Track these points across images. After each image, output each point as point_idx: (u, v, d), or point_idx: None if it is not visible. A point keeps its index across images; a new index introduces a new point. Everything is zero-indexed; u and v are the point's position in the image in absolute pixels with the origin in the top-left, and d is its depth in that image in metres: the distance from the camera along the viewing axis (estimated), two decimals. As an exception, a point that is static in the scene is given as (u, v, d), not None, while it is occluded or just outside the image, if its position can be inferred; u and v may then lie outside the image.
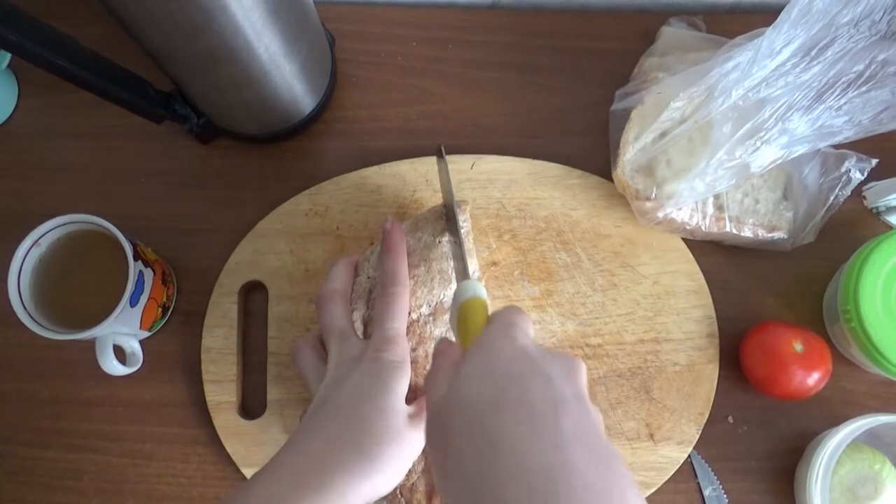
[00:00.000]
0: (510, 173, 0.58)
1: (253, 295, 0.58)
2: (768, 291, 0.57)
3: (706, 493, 0.53)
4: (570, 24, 0.64)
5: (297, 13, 0.51)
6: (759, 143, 0.49)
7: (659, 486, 0.52)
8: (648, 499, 0.52)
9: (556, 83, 0.62)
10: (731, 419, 0.54)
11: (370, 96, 0.62)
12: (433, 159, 0.58)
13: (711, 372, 0.54)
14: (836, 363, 0.52)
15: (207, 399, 0.54)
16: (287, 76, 0.53)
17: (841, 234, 0.57)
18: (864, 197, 0.58)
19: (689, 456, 0.53)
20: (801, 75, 0.48)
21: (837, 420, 0.50)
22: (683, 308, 0.55)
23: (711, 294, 0.55)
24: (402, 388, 0.42)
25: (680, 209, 0.53)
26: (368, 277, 0.49)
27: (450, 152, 0.59)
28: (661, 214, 0.53)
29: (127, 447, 0.56)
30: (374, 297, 0.47)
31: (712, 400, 0.53)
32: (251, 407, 0.55)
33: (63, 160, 0.62)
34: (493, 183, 0.57)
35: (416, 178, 0.58)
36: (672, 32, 0.60)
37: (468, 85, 0.62)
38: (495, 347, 0.34)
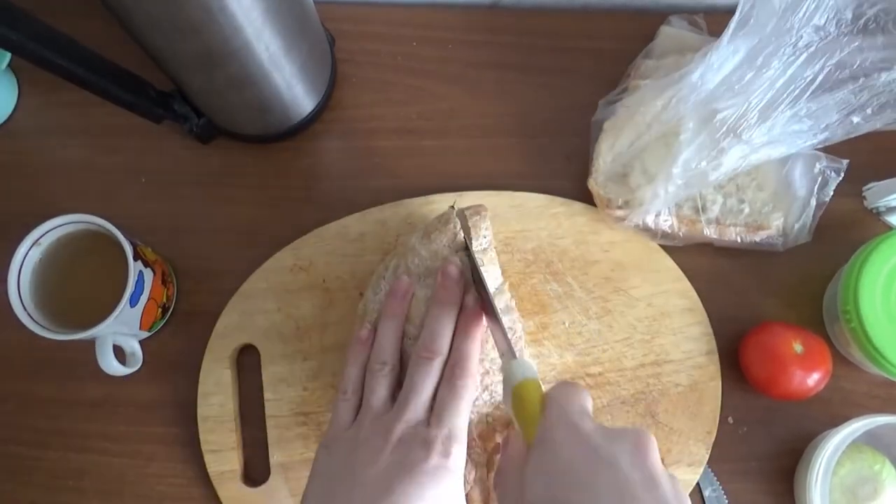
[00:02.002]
0: (493, 208, 0.56)
1: (245, 356, 0.56)
2: (768, 292, 0.57)
3: (706, 493, 0.53)
4: (571, 24, 0.64)
5: (297, 13, 0.51)
6: (714, 153, 0.49)
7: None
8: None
9: (556, 83, 0.62)
10: (730, 420, 0.54)
11: (370, 96, 0.62)
12: (414, 202, 0.57)
13: (714, 389, 0.53)
14: (836, 364, 0.52)
15: (209, 470, 0.53)
16: (287, 76, 0.53)
17: (841, 235, 0.57)
18: (864, 197, 0.58)
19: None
20: (748, 86, 0.48)
21: (837, 421, 0.50)
22: (679, 327, 0.55)
23: (711, 295, 0.55)
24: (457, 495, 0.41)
25: (657, 215, 0.53)
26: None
27: (447, 151, 0.59)
28: (630, 223, 0.54)
29: (127, 447, 0.56)
30: (421, 361, 0.44)
31: (718, 418, 0.53)
32: (254, 473, 0.54)
33: (63, 160, 0.62)
34: None
35: (398, 221, 0.57)
36: (672, 32, 0.60)
37: (468, 85, 0.62)
38: (556, 442, 0.34)
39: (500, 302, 0.47)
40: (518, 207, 0.57)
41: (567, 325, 0.55)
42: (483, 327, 0.45)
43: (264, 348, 0.55)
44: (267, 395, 0.54)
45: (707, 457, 0.52)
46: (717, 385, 0.53)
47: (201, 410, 0.54)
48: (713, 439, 0.52)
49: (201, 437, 0.54)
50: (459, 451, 0.41)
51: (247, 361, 0.56)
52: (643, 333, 0.54)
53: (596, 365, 0.54)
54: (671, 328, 0.54)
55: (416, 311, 0.46)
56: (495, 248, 0.49)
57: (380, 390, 0.44)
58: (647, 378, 0.54)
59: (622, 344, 0.54)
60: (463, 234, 0.48)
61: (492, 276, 0.47)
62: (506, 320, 0.47)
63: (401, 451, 0.40)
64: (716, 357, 0.54)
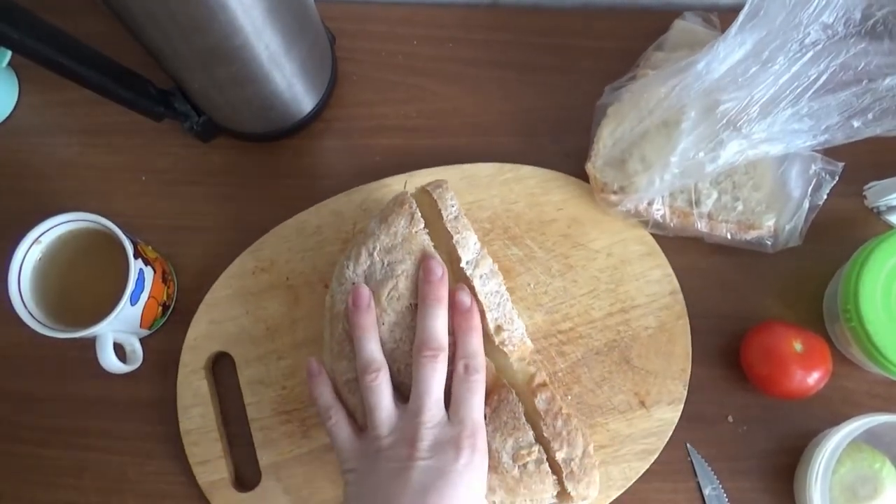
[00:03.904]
0: None
1: (220, 364, 0.56)
2: (768, 291, 0.57)
3: (706, 492, 0.53)
4: (571, 22, 0.64)
5: (298, 11, 0.51)
6: (713, 145, 0.50)
7: (660, 450, 0.52)
8: (649, 488, 0.52)
9: (556, 82, 0.62)
10: (731, 419, 0.54)
11: (370, 95, 0.62)
12: (367, 188, 0.57)
13: (683, 327, 0.54)
14: (837, 363, 0.52)
15: (199, 482, 0.53)
16: (287, 75, 0.53)
17: (841, 234, 0.57)
18: (865, 196, 0.58)
19: (689, 455, 0.53)
20: (752, 80, 0.48)
21: (837, 419, 0.50)
22: (641, 272, 0.55)
23: (710, 294, 0.56)
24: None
25: (650, 203, 0.54)
26: (354, 284, 0.48)
27: (448, 150, 0.59)
28: (622, 208, 0.54)
29: (128, 445, 0.56)
30: (425, 363, 0.44)
31: (691, 354, 0.54)
32: (245, 478, 0.54)
33: (63, 158, 0.62)
34: None
35: (353, 210, 0.57)
36: (685, 27, 0.60)
37: (468, 84, 0.62)
38: None
39: (485, 267, 0.48)
40: (469, 178, 0.57)
41: (532, 286, 0.55)
42: (479, 319, 0.46)
43: (237, 354, 0.55)
44: (246, 398, 0.54)
45: (685, 393, 0.53)
46: (684, 323, 0.54)
47: (183, 424, 0.54)
48: (689, 376, 0.53)
49: (186, 450, 0.53)
50: (484, 441, 0.43)
51: (222, 368, 0.56)
52: (607, 283, 0.55)
53: (566, 321, 0.55)
54: (633, 274, 0.55)
55: (384, 296, 0.47)
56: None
57: (384, 401, 0.44)
58: (617, 326, 0.54)
59: (588, 296, 0.55)
60: (420, 213, 0.48)
61: (470, 242, 0.48)
62: (492, 284, 0.48)
63: (431, 457, 0.41)
64: (680, 297, 0.55)
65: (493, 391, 0.46)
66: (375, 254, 0.48)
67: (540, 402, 0.46)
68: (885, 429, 0.49)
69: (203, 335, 0.55)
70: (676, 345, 0.54)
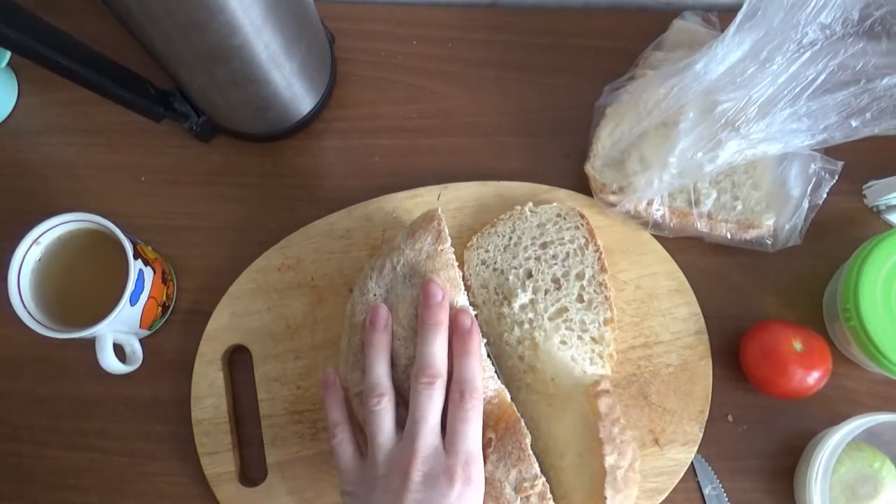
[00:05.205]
0: (478, 199, 0.57)
1: (237, 357, 0.56)
2: (768, 290, 0.57)
3: (706, 491, 0.53)
4: (571, 22, 0.64)
5: (297, 11, 0.51)
6: (711, 145, 0.50)
7: (670, 489, 0.52)
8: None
9: (556, 82, 0.62)
10: (730, 418, 0.54)
11: (370, 95, 0.62)
12: (399, 196, 0.57)
13: (705, 368, 0.54)
14: (836, 362, 0.52)
15: (205, 472, 0.53)
16: (287, 75, 0.53)
17: (841, 233, 0.57)
18: (865, 195, 0.58)
19: (689, 455, 0.53)
20: (750, 80, 0.48)
21: (837, 419, 0.50)
22: (668, 308, 0.55)
23: (710, 294, 0.55)
24: None
25: (649, 203, 0.54)
26: (375, 295, 0.48)
27: (448, 150, 0.59)
28: (622, 209, 0.54)
29: (128, 446, 0.56)
30: (422, 385, 0.43)
31: (710, 397, 0.53)
32: (252, 473, 0.54)
33: (63, 158, 0.62)
34: (462, 211, 0.57)
35: (384, 217, 0.57)
36: (684, 26, 0.60)
37: (468, 84, 0.62)
38: None
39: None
40: (503, 196, 0.57)
41: None
42: (479, 342, 0.45)
43: (256, 349, 0.55)
44: (260, 394, 0.54)
45: (701, 435, 0.52)
46: (707, 364, 0.54)
47: (195, 413, 0.54)
48: (706, 418, 0.53)
49: (196, 439, 0.54)
50: (479, 471, 0.42)
51: (239, 361, 0.56)
52: (632, 316, 0.55)
53: None
54: (660, 310, 0.55)
55: (402, 311, 0.46)
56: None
57: (385, 426, 0.43)
58: (638, 360, 0.54)
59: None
60: (448, 231, 0.48)
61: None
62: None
63: (424, 490, 0.40)
64: (705, 337, 0.54)
65: (502, 419, 0.45)
66: (399, 268, 0.48)
67: (602, 405, 0.45)
68: (884, 428, 0.49)
69: (224, 327, 0.55)
70: (697, 385, 0.53)
